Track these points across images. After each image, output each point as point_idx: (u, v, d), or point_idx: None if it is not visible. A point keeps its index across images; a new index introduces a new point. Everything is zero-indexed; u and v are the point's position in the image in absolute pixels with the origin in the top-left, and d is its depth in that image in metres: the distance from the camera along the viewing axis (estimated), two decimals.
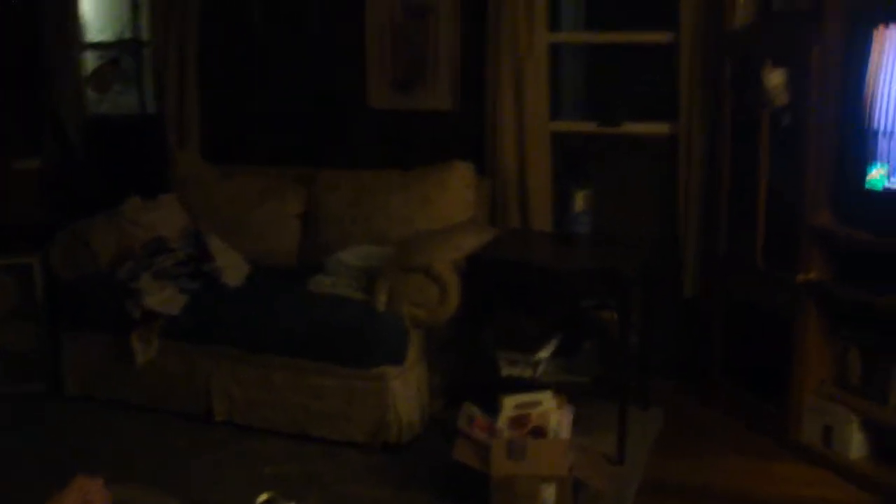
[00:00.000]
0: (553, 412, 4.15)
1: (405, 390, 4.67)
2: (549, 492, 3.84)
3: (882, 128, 4.12)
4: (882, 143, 4.13)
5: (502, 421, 4.12)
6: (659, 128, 5.39)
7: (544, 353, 4.68)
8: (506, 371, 4.65)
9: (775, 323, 4.61)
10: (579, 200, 4.95)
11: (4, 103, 6.15)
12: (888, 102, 4.09)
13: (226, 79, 6.26)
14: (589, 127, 5.58)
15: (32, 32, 6.44)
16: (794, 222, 4.47)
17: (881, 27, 4.09)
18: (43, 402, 5.30)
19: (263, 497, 2.89)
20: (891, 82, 4.07)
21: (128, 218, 5.47)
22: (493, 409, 4.19)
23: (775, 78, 4.50)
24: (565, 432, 4.11)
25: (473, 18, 5.58)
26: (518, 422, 4.12)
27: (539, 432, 4.08)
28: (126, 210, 5.51)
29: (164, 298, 4.97)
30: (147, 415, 5.06)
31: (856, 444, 4.31)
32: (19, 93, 6.32)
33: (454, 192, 5.33)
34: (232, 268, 5.22)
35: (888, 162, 4.11)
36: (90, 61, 6.76)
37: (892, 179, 4.11)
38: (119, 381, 5.13)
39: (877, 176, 4.15)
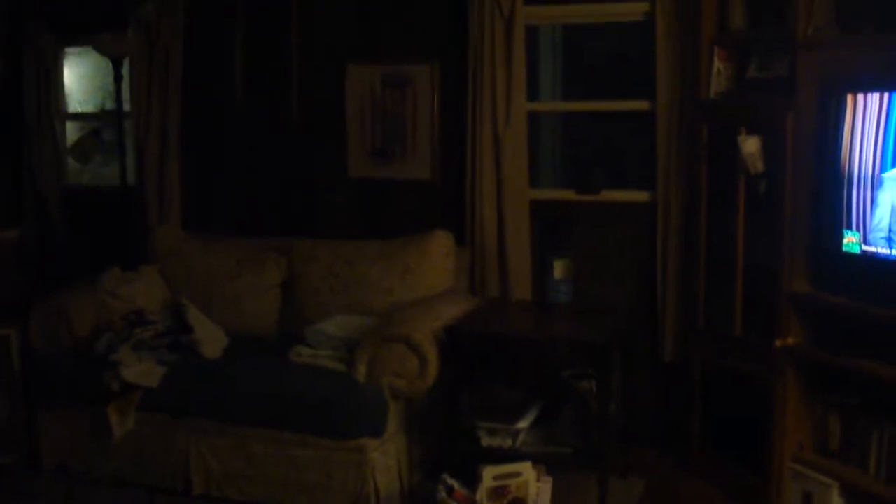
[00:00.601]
0: (533, 483, 4.13)
1: (385, 462, 4.64)
2: None
3: (856, 193, 4.14)
4: (856, 209, 4.15)
5: (481, 492, 4.09)
6: (637, 195, 5.42)
7: (524, 423, 4.65)
8: (486, 441, 4.62)
9: (754, 388, 4.61)
10: (558, 269, 4.96)
11: None
12: (861, 168, 4.12)
13: (206, 149, 6.28)
14: (568, 195, 5.61)
15: (14, 101, 6.48)
16: (771, 288, 4.49)
17: (853, 95, 4.14)
18: (19, 473, 5.24)
19: None
20: (863, 149, 4.11)
21: (107, 289, 5.45)
22: (472, 480, 4.15)
23: (750, 145, 4.54)
24: (545, 503, 4.08)
25: (452, 88, 5.63)
26: (497, 493, 4.10)
27: (519, 503, 4.05)
28: (105, 281, 5.49)
29: (142, 371, 4.94)
30: (124, 488, 5.00)
31: None
32: None
33: (434, 262, 5.34)
34: (210, 340, 5.19)
35: (863, 226, 4.14)
36: (71, 132, 6.79)
37: (867, 244, 4.13)
38: (96, 453, 5.07)
39: (852, 241, 4.17)
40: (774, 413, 4.47)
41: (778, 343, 4.41)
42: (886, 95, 4.04)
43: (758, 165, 4.55)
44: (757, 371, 4.59)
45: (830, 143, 4.25)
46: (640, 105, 5.39)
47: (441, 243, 5.37)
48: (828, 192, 4.29)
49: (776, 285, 4.45)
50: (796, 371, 4.44)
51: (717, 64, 4.87)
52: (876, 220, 4.10)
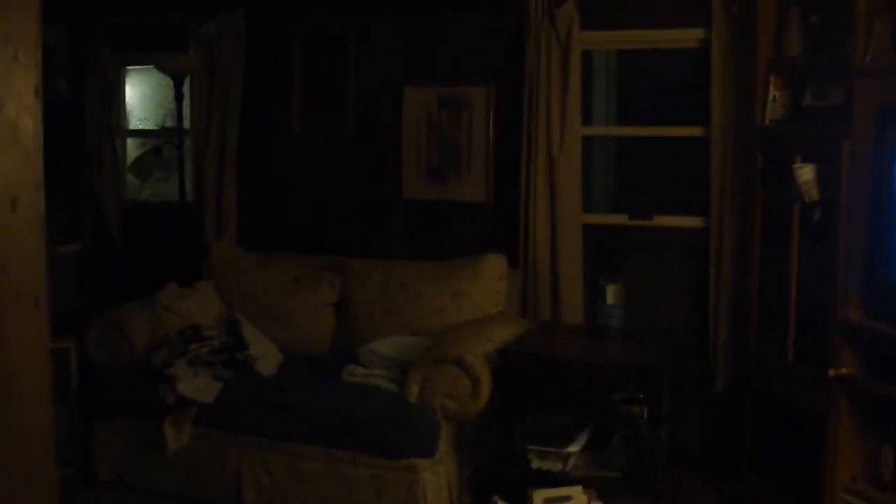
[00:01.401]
0: None
1: (435, 482, 4.67)
2: None
3: None
4: None
5: None
6: (691, 221, 5.43)
7: (575, 447, 4.66)
8: (536, 464, 4.63)
9: (806, 418, 4.58)
10: (610, 294, 4.99)
11: (47, 188, 6.27)
12: None
13: (263, 168, 6.37)
14: (620, 219, 5.63)
15: (77, 118, 6.60)
16: (824, 317, 4.46)
17: None
18: (74, 486, 5.32)
19: None
20: None
21: (163, 304, 5.54)
22: (522, 503, 4.18)
23: (805, 174, 4.52)
24: None
25: (508, 111, 5.67)
26: None
27: None
28: (162, 297, 5.58)
29: (197, 386, 5.01)
30: (177, 502, 5.07)
31: None
32: (61, 178, 6.45)
33: (487, 284, 5.37)
34: (265, 357, 5.26)
35: None
36: (132, 149, 6.91)
37: None
38: (150, 467, 5.15)
39: None
40: (826, 443, 4.44)
41: (831, 373, 4.38)
42: None
43: (812, 194, 4.53)
44: (809, 400, 4.56)
45: (886, 171, 4.23)
46: (695, 131, 5.41)
47: (494, 265, 5.40)
48: (883, 221, 4.26)
49: (829, 314, 4.42)
50: (849, 401, 4.41)
51: (773, 91, 4.86)
52: None
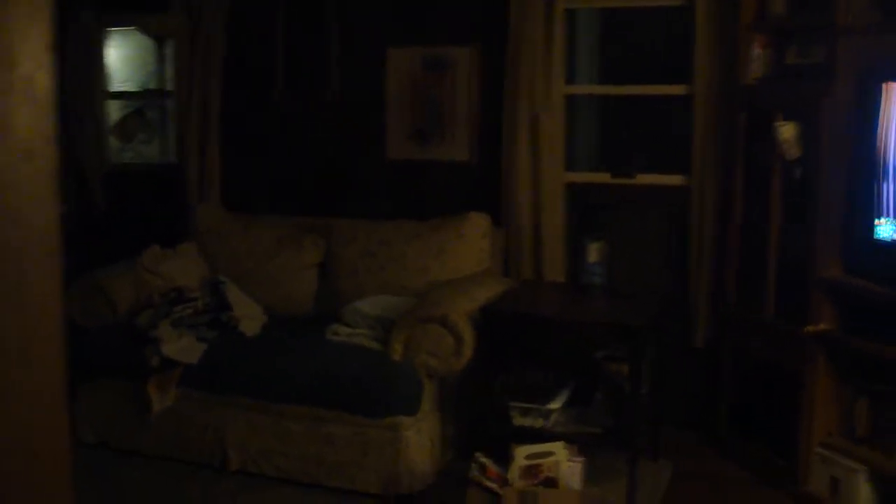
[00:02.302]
0: (564, 463, 4.17)
1: (419, 440, 4.70)
2: None
3: (891, 181, 4.15)
4: (890, 196, 4.16)
5: (513, 471, 4.13)
6: (673, 179, 5.43)
7: (556, 404, 4.70)
8: (518, 421, 4.67)
9: (784, 374, 4.62)
10: (593, 252, 5.00)
11: None
12: None
13: (247, 129, 6.35)
14: (603, 178, 5.64)
15: (58, 81, 6.55)
16: (804, 274, 4.49)
17: (890, 83, 4.13)
18: None
19: None
20: None
21: (147, 267, 5.53)
22: (504, 460, 4.20)
23: (787, 131, 4.54)
24: (576, 483, 4.13)
25: (491, 71, 5.66)
26: (529, 472, 4.14)
27: (551, 483, 4.09)
28: (145, 259, 5.58)
29: (181, 347, 5.02)
30: (161, 463, 5.08)
31: (863, 496, 4.29)
32: None
33: (470, 243, 5.38)
34: (249, 317, 5.27)
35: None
36: (114, 111, 6.88)
37: None
38: (134, 429, 5.16)
39: (885, 228, 4.18)
40: (804, 398, 4.49)
41: (809, 329, 4.42)
42: None
43: (794, 151, 4.55)
44: (787, 356, 4.60)
45: (866, 130, 4.24)
46: (678, 90, 5.40)
47: (477, 224, 5.41)
48: (862, 179, 4.29)
49: (809, 271, 4.46)
50: (826, 357, 4.45)
51: (756, 49, 4.87)
52: None
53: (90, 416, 5.29)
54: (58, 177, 1.46)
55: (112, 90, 6.89)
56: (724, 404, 5.08)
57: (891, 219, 4.16)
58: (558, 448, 4.22)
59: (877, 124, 4.19)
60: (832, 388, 4.49)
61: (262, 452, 4.90)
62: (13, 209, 1.36)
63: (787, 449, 4.60)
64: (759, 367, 4.87)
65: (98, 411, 5.28)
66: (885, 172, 4.17)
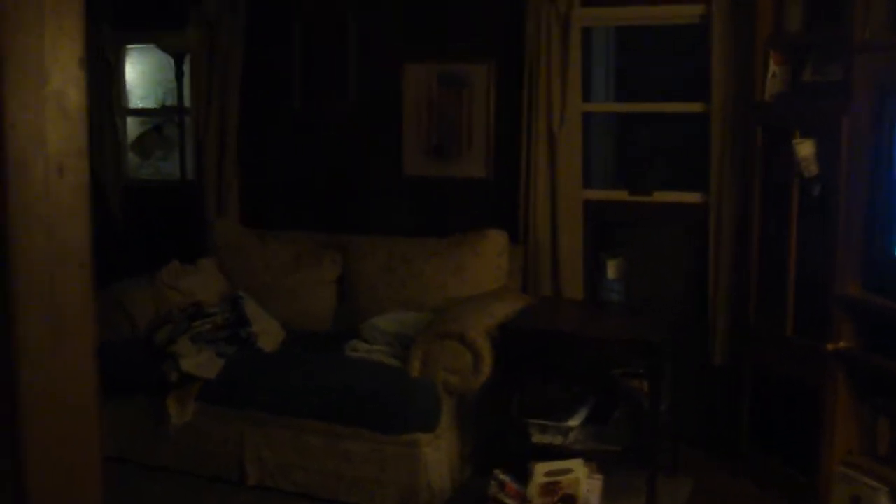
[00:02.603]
0: (583, 480, 4.17)
1: (437, 457, 4.70)
2: None
3: None
4: None
5: (532, 488, 4.14)
6: (690, 197, 5.44)
7: (575, 421, 4.70)
8: (537, 438, 4.67)
9: (804, 392, 4.62)
10: (611, 268, 5.01)
11: None
12: None
13: (264, 146, 6.38)
14: (621, 195, 5.65)
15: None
16: (823, 291, 4.48)
17: None
18: None
19: None
20: None
21: (166, 282, 5.56)
22: (523, 477, 4.21)
23: (805, 149, 4.54)
24: (595, 500, 4.13)
25: (508, 88, 5.68)
26: (548, 489, 4.14)
27: (569, 500, 4.09)
28: (165, 274, 5.61)
29: (200, 362, 5.04)
30: (180, 477, 5.10)
31: None
32: None
33: (488, 260, 5.39)
34: (268, 333, 5.29)
35: None
36: (132, 127, 6.92)
37: None
38: (153, 443, 5.17)
39: None
40: (824, 416, 4.48)
41: (829, 346, 4.42)
42: None
43: (812, 169, 4.55)
44: (807, 373, 4.59)
45: (885, 147, 4.25)
46: (695, 107, 5.42)
47: (495, 241, 5.43)
48: (882, 196, 4.29)
49: (828, 289, 4.45)
50: (846, 375, 4.45)
51: (773, 67, 4.87)
52: None
53: (110, 431, 5.29)
54: (89, 190, 1.49)
55: (130, 107, 6.93)
56: (744, 421, 5.07)
57: None
58: (577, 465, 4.22)
59: (895, 140, 4.19)
60: (853, 406, 4.48)
61: (280, 467, 4.91)
62: (47, 221, 1.39)
63: (808, 466, 4.59)
64: (780, 384, 4.86)
65: (117, 426, 5.27)
66: None
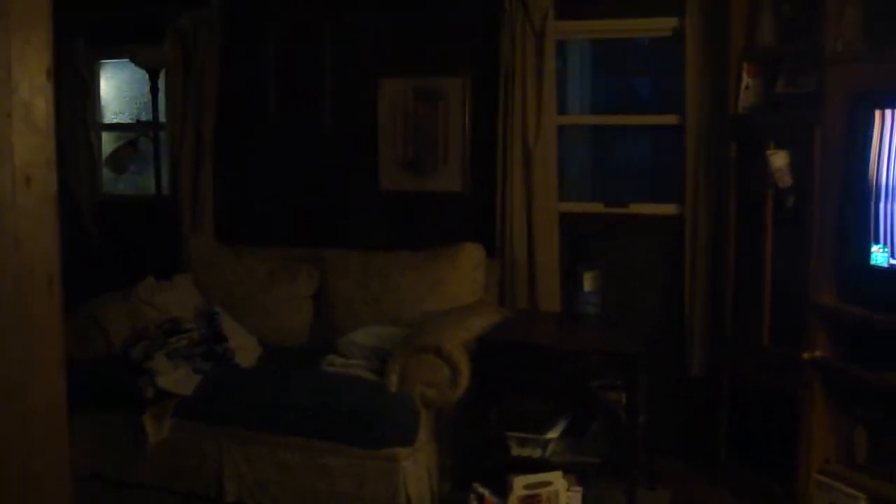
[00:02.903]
0: (563, 492, 4.19)
1: (416, 471, 4.69)
2: None
3: (883, 207, 4.17)
4: (884, 222, 4.18)
5: (512, 501, 4.16)
6: (665, 209, 5.47)
7: (553, 434, 4.70)
8: (515, 451, 4.67)
9: (781, 401, 4.63)
10: (587, 281, 5.02)
11: None
12: (889, 182, 4.15)
13: (240, 161, 6.37)
14: (597, 208, 5.67)
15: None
16: (799, 301, 4.51)
17: (881, 111, 4.17)
18: None
19: None
20: (890, 163, 4.14)
21: (142, 298, 5.54)
22: (502, 490, 4.21)
23: (779, 160, 4.58)
24: None
25: (483, 101, 5.70)
26: (528, 502, 4.15)
27: None
28: (141, 290, 5.58)
29: (177, 378, 5.01)
30: (157, 494, 5.06)
31: None
32: None
33: (464, 273, 5.40)
34: (244, 348, 5.27)
35: (891, 240, 4.16)
36: (107, 142, 6.89)
37: (895, 257, 4.16)
38: (129, 460, 5.14)
39: (880, 254, 4.20)
40: (801, 425, 4.49)
41: (805, 356, 4.44)
42: None
43: (786, 179, 4.58)
44: (784, 382, 4.61)
45: (858, 157, 4.27)
46: (669, 119, 5.45)
47: (471, 255, 5.43)
48: (855, 205, 4.31)
49: (804, 298, 4.47)
50: (823, 384, 4.47)
51: (746, 79, 4.91)
52: None
53: (85, 448, 5.25)
54: (57, 201, 1.48)
55: (105, 122, 6.91)
56: (721, 431, 5.08)
57: (885, 245, 4.19)
58: (556, 478, 4.24)
59: (869, 152, 4.22)
60: (830, 415, 4.50)
61: (258, 483, 4.89)
62: (13, 233, 1.38)
63: (786, 476, 4.61)
64: (757, 394, 4.88)
65: (93, 442, 5.24)
66: (878, 200, 4.20)
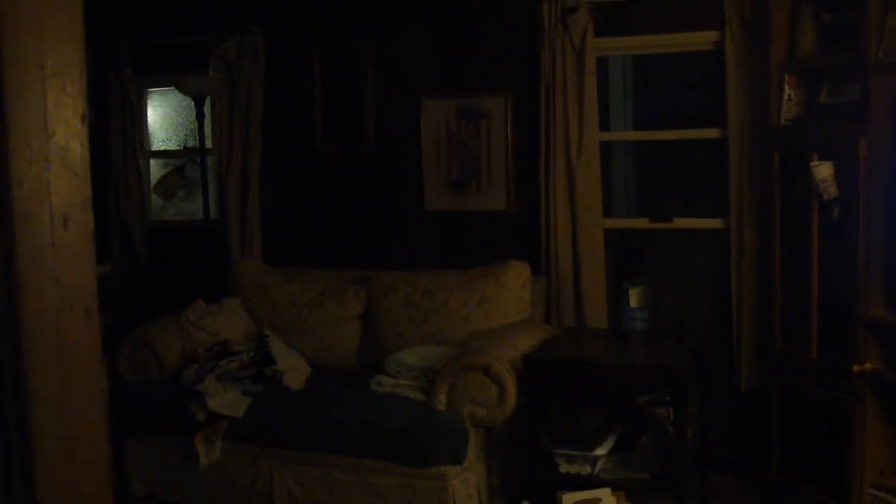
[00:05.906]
0: None
1: (465, 489, 4.70)
2: None
3: None
4: None
5: None
6: (710, 223, 5.45)
7: (602, 450, 4.68)
8: (564, 468, 4.66)
9: (833, 415, 4.59)
10: (633, 297, 5.01)
11: None
12: None
13: (286, 184, 6.44)
14: (641, 223, 5.66)
15: (101, 140, 6.67)
16: (848, 313, 4.46)
17: None
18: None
19: None
20: None
21: (192, 322, 5.60)
22: None
23: (823, 171, 4.54)
24: None
25: (526, 120, 5.72)
26: None
27: None
28: (190, 314, 5.64)
29: (227, 401, 5.06)
30: None
31: None
32: None
33: (510, 292, 5.40)
34: (293, 370, 5.31)
35: None
36: (155, 169, 6.99)
37: None
38: (183, 482, 5.20)
39: None
40: (854, 439, 4.44)
41: (856, 369, 4.39)
42: None
43: (831, 191, 4.54)
44: (835, 396, 4.57)
45: None
46: (712, 133, 5.43)
47: (517, 273, 5.44)
48: None
49: (853, 310, 4.43)
50: (875, 396, 4.41)
51: (788, 90, 4.88)
52: None
53: (140, 470, 5.35)
54: (93, 240, 1.54)
55: (153, 149, 7.01)
56: (772, 446, 5.04)
57: None
58: (605, 494, 4.23)
59: None
60: (883, 428, 4.45)
61: (309, 503, 4.93)
62: (53, 271, 1.44)
63: (839, 490, 4.56)
64: (807, 408, 4.83)
65: (147, 465, 5.33)
66: None
